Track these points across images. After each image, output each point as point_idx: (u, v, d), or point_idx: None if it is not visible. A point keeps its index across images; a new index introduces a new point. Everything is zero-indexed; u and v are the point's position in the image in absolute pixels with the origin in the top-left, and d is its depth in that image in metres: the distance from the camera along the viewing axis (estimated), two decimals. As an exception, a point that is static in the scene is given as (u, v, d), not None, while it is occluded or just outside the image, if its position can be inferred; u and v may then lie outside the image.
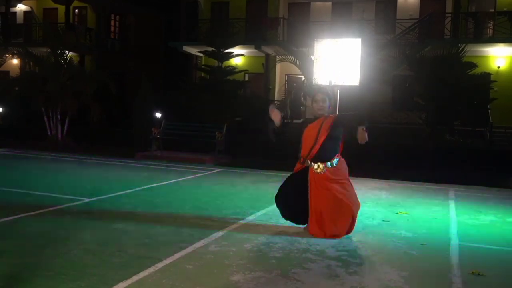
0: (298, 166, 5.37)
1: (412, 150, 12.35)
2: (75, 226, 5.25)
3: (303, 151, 5.26)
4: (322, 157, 5.14)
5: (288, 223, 5.60)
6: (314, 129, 5.20)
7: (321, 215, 5.14)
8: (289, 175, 5.51)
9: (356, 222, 5.54)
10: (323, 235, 5.13)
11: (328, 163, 5.14)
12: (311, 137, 5.19)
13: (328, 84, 9.72)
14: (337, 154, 5.23)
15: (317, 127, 5.18)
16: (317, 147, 5.14)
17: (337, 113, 5.28)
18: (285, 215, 5.48)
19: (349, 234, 5.22)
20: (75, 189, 7.41)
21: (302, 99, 15.97)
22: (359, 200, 5.29)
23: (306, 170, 5.25)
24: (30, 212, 5.79)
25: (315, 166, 5.16)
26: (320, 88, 5.46)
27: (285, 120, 14.62)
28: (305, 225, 5.38)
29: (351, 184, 5.30)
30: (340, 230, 5.15)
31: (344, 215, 5.12)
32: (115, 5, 26.25)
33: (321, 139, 5.13)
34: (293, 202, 5.33)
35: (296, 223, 5.48)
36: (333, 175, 5.14)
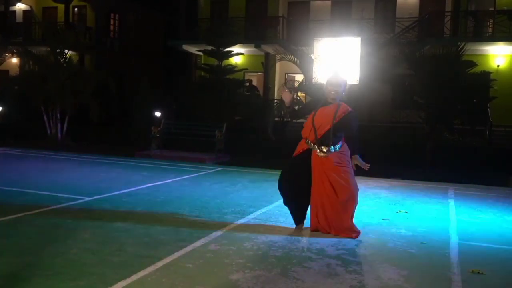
0: (301, 147, 5.33)
1: (412, 149, 12.35)
2: (75, 225, 5.25)
3: (307, 133, 5.24)
4: (326, 141, 5.12)
5: (288, 222, 5.61)
6: (326, 115, 5.14)
7: (322, 210, 5.17)
8: (291, 158, 5.42)
9: (356, 221, 5.55)
10: (324, 230, 5.19)
11: (332, 147, 5.13)
12: (320, 122, 5.15)
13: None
14: (341, 140, 5.21)
15: (330, 114, 5.12)
16: (322, 132, 5.12)
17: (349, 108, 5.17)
18: (288, 199, 5.39)
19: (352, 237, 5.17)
20: (75, 188, 7.41)
21: (297, 97, 15.99)
22: (357, 191, 5.22)
23: (309, 152, 5.24)
24: (29, 211, 5.79)
25: (318, 150, 5.15)
26: (337, 73, 5.36)
27: (285, 119, 14.62)
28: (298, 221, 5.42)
29: (352, 170, 5.25)
30: (340, 227, 5.15)
31: (342, 213, 5.12)
32: (114, 4, 26.23)
33: (327, 126, 5.11)
34: (297, 185, 5.27)
35: (295, 210, 5.43)
36: (336, 159, 5.12)
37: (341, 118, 5.12)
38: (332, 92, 5.18)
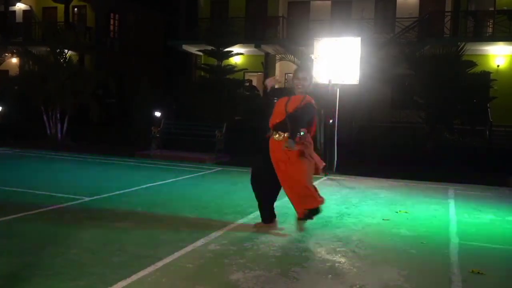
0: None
1: (412, 149, 12.36)
2: (75, 225, 5.24)
3: (272, 120, 5.31)
4: (284, 128, 5.16)
5: (288, 222, 5.61)
6: (294, 101, 5.20)
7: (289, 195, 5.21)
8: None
9: (356, 221, 5.56)
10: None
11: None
12: (282, 110, 5.22)
13: (328, 82, 9.73)
14: (303, 129, 5.19)
15: (298, 100, 5.18)
16: (280, 119, 5.18)
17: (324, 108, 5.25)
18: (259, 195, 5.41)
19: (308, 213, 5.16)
20: (75, 188, 7.40)
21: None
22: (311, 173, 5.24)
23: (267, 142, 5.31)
24: (29, 211, 5.79)
25: (276, 135, 5.20)
26: (303, 67, 5.48)
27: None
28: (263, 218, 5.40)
29: (306, 154, 5.22)
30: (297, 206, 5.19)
31: (301, 187, 5.11)
32: (114, 4, 26.25)
33: (295, 106, 5.16)
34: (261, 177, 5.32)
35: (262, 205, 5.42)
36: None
37: (304, 105, 5.16)
38: (299, 86, 5.28)
